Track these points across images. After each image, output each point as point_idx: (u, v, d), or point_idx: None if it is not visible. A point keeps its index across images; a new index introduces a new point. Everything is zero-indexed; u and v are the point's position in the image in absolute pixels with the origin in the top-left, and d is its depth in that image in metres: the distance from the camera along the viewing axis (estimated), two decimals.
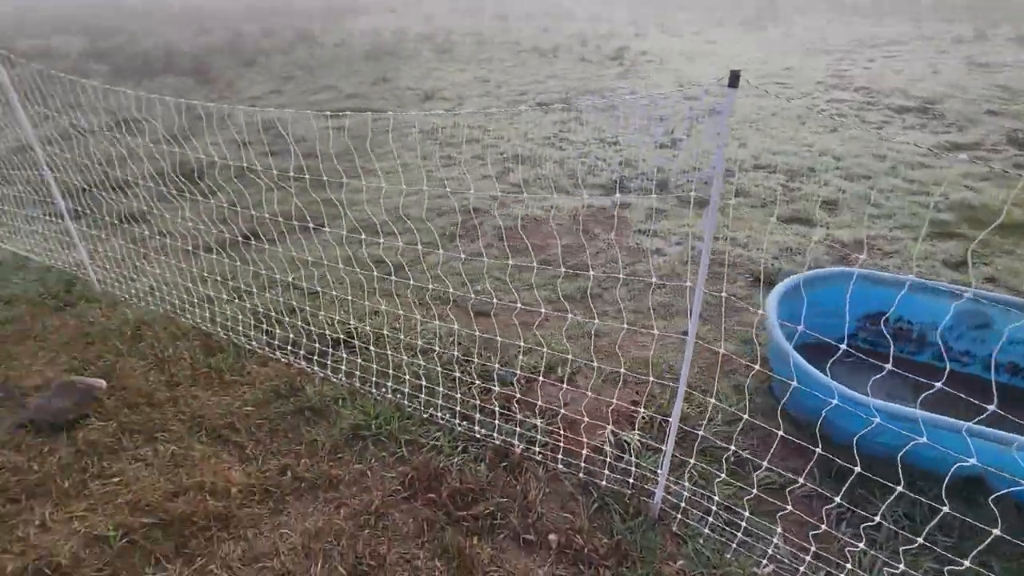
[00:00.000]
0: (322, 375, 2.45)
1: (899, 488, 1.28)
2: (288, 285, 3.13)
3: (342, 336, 2.60)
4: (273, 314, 2.80)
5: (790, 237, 3.61)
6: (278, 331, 2.68)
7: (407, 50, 13.75)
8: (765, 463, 1.59)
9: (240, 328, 2.71)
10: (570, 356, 2.10)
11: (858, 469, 1.32)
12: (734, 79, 1.20)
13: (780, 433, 1.51)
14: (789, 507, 1.57)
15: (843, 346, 1.30)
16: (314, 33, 17.82)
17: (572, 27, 17.31)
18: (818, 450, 1.43)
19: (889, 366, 1.20)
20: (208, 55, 14.12)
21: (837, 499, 1.44)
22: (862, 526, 1.54)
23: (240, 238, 2.92)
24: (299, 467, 2.00)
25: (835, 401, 1.44)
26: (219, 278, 3.20)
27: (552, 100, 7.83)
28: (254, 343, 2.66)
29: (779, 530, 1.64)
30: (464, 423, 2.15)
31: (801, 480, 1.57)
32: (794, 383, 1.50)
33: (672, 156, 5.26)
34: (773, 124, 6.02)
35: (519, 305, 1.99)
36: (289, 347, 2.60)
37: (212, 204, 4.26)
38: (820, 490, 1.68)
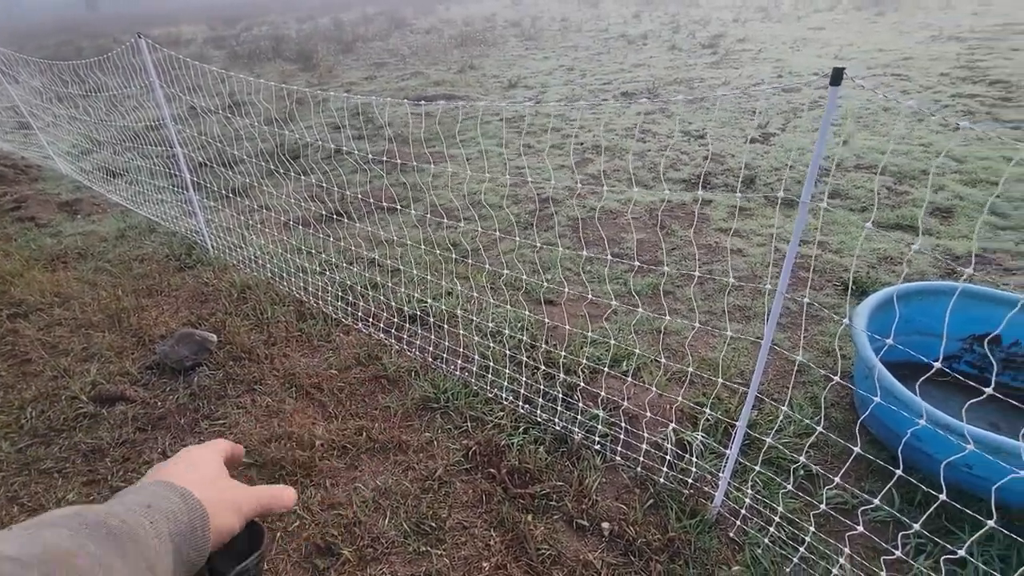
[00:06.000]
0: (398, 347, 2.62)
1: (991, 523, 1.19)
2: (371, 261, 3.35)
3: (418, 313, 2.75)
4: (357, 287, 3.02)
5: (891, 245, 3.32)
6: (361, 303, 2.88)
7: (494, 37, 13.89)
8: (837, 479, 1.52)
9: (328, 298, 2.95)
10: (637, 351, 2.10)
11: (943, 497, 1.24)
12: (837, 77, 1.13)
13: (856, 450, 1.44)
14: (860, 528, 1.50)
15: (937, 363, 1.22)
16: (408, 19, 18.38)
17: (666, 12, 16.62)
18: (899, 472, 1.35)
19: (990, 391, 1.10)
20: (311, 42, 15.06)
21: (917, 526, 1.35)
22: (943, 558, 1.44)
23: (333, 215, 3.15)
24: (373, 429, 2.17)
25: (922, 422, 1.34)
26: (311, 251, 3.49)
27: (637, 90, 7.62)
28: (340, 313, 2.89)
29: (847, 550, 1.57)
30: (526, 406, 2.22)
31: (877, 502, 1.48)
32: (876, 398, 1.41)
33: (763, 152, 4.97)
34: (883, 120, 5.50)
35: (589, 296, 2.02)
36: (371, 319, 2.80)
37: (304, 183, 4.59)
38: (899, 515, 1.59)
